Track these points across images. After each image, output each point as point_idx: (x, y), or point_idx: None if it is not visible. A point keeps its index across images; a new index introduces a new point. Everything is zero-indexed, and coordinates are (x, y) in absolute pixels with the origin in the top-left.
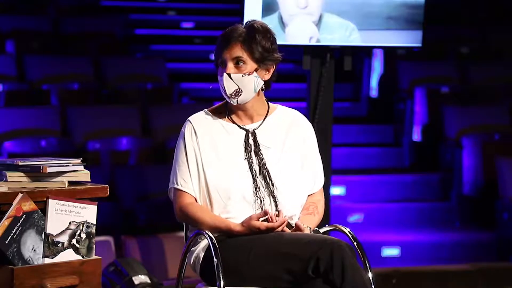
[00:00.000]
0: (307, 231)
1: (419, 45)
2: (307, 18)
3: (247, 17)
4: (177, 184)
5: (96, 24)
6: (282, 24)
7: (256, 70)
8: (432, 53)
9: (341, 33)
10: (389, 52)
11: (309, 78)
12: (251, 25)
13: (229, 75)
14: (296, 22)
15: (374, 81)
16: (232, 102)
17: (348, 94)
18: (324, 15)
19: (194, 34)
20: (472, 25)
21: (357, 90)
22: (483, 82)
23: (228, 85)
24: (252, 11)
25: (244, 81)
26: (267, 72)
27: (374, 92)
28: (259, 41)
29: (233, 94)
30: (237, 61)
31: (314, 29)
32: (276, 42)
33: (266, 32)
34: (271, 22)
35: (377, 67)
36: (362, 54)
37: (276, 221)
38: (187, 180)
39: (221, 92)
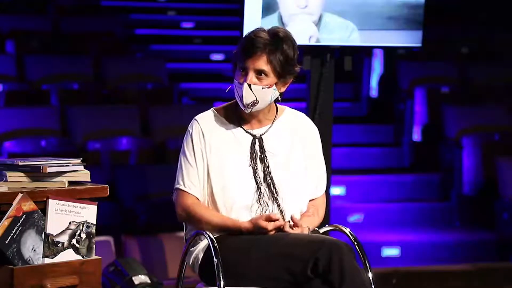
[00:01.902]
0: (305, 231)
1: (419, 45)
2: (307, 18)
3: (247, 17)
4: (184, 185)
5: (96, 24)
6: (282, 24)
7: (275, 83)
8: (432, 53)
9: (341, 33)
10: (389, 52)
11: (309, 78)
12: (276, 34)
13: (249, 85)
14: (296, 22)
15: (374, 81)
16: (245, 111)
17: (348, 94)
18: (324, 15)
19: (194, 34)
20: (472, 25)
21: (357, 90)
22: (483, 82)
23: (247, 95)
24: (252, 11)
25: (263, 93)
26: (284, 85)
27: (374, 92)
28: (284, 51)
29: (250, 104)
30: (259, 73)
31: (314, 29)
32: (297, 53)
33: (291, 42)
34: (271, 22)
35: (377, 67)
36: (362, 54)
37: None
38: (194, 182)
39: (236, 97)
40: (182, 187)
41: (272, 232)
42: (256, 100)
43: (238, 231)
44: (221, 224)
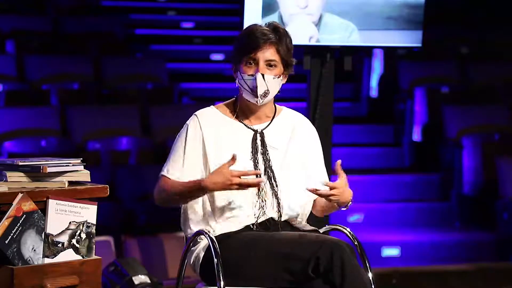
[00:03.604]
0: (344, 181)
1: (419, 45)
2: (307, 18)
3: (247, 17)
4: (167, 172)
5: (96, 24)
6: (282, 24)
7: (282, 74)
8: (432, 53)
9: (341, 33)
10: (389, 52)
11: (309, 78)
12: (277, 27)
13: (263, 75)
14: (296, 22)
15: (374, 81)
16: (257, 102)
17: (348, 94)
18: (324, 15)
19: (194, 34)
20: (472, 25)
21: (357, 90)
22: (483, 82)
23: (261, 85)
24: (252, 11)
25: (273, 83)
26: (286, 77)
27: (374, 92)
28: (286, 43)
29: (263, 94)
30: (269, 64)
31: (314, 29)
32: (292, 45)
33: (289, 36)
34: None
35: (377, 67)
36: (362, 54)
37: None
38: (176, 170)
39: (244, 91)
40: (164, 173)
41: (236, 184)
42: (268, 90)
43: (199, 188)
44: (184, 187)
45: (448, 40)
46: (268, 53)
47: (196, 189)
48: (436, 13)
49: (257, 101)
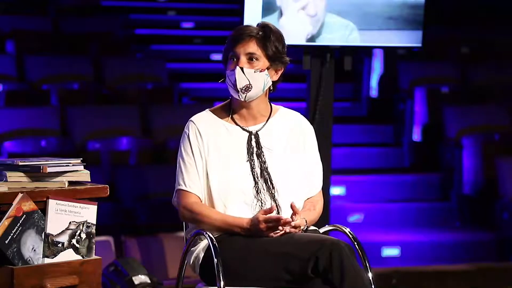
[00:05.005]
0: (303, 222)
1: (419, 45)
2: (307, 18)
3: (247, 17)
4: (185, 185)
5: (96, 24)
6: (282, 23)
7: (267, 68)
8: (432, 53)
9: (341, 33)
10: (389, 52)
11: (309, 78)
12: (266, 25)
13: (242, 69)
14: (296, 22)
15: (374, 81)
16: (240, 98)
17: (348, 94)
18: (324, 14)
19: (194, 34)
20: (472, 25)
21: (357, 90)
22: (483, 82)
23: (240, 79)
24: (252, 11)
25: (255, 77)
26: (276, 73)
27: (374, 92)
28: (273, 41)
29: (243, 89)
30: (251, 57)
31: (314, 29)
32: (285, 46)
33: (279, 35)
34: (270, 22)
35: (377, 67)
36: (362, 54)
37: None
38: (194, 182)
39: (229, 87)
40: (183, 187)
41: (263, 226)
42: (250, 84)
43: (240, 228)
44: (223, 221)
45: (448, 40)
46: (249, 47)
47: (237, 229)
48: (436, 13)
49: (239, 96)
